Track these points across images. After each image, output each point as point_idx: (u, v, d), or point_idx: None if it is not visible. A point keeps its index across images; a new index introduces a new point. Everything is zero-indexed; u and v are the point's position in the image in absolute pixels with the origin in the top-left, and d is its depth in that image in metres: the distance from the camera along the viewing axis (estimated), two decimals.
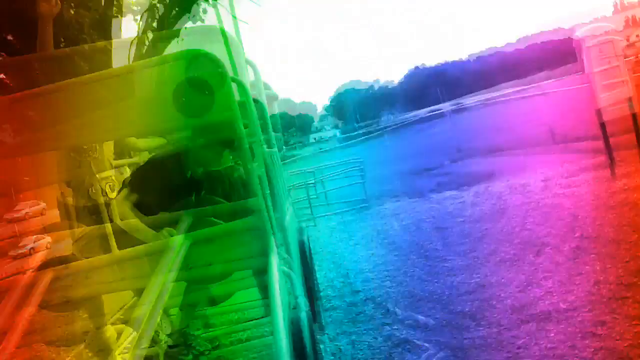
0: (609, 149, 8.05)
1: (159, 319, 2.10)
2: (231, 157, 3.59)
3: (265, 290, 3.72)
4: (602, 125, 7.86)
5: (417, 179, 14.49)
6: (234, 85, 2.79)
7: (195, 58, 2.54)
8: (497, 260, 5.76)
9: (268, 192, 2.76)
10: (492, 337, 4.09)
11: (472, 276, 5.45)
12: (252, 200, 2.60)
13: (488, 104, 30.09)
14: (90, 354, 3.62)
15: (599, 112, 7.82)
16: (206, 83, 2.49)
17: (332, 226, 11.19)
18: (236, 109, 2.55)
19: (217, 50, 3.15)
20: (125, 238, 2.75)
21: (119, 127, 2.77)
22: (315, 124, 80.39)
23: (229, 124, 2.54)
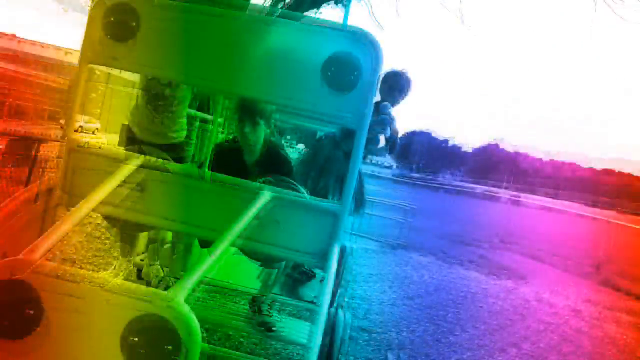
0: None
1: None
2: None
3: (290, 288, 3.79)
4: None
5: (452, 246, 14.35)
6: None
7: (360, 36, 2.62)
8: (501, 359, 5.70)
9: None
10: None
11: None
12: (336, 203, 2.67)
13: (548, 210, 29.48)
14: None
15: None
16: (358, 62, 2.57)
17: (353, 247, 11.22)
18: (371, 101, 2.64)
19: None
20: None
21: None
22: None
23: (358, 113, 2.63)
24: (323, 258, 2.55)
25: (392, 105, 4.29)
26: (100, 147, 2.79)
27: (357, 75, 2.58)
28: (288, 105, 3.03)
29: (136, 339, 1.69)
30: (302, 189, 2.95)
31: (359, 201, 4.27)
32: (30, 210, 2.70)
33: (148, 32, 2.80)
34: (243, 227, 2.32)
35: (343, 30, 2.67)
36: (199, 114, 3.92)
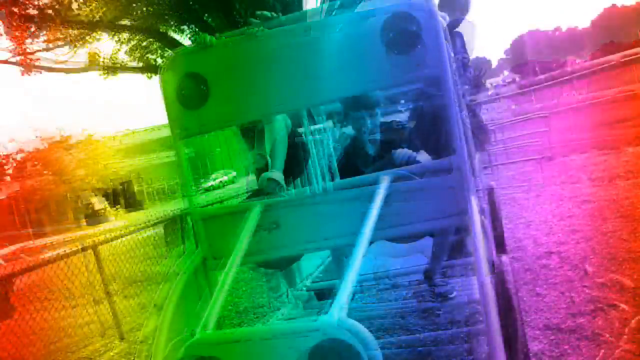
0: None
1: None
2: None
3: (455, 250, 3.73)
4: None
5: (611, 129, 13.17)
6: None
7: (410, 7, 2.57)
8: None
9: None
10: None
11: None
12: (452, 158, 2.60)
13: None
14: None
15: None
16: (412, 18, 2.51)
17: (510, 176, 10.74)
18: (445, 55, 2.54)
19: None
20: None
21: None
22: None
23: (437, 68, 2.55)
24: (463, 215, 2.48)
25: (458, 24, 4.32)
26: (221, 203, 2.96)
27: (418, 29, 2.51)
28: (382, 89, 3.01)
29: None
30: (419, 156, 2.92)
31: (482, 135, 4.13)
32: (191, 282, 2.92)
33: (219, 85, 2.93)
34: (375, 222, 2.34)
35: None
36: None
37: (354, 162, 3.37)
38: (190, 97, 2.94)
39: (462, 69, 4.85)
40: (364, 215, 2.44)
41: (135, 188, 41.12)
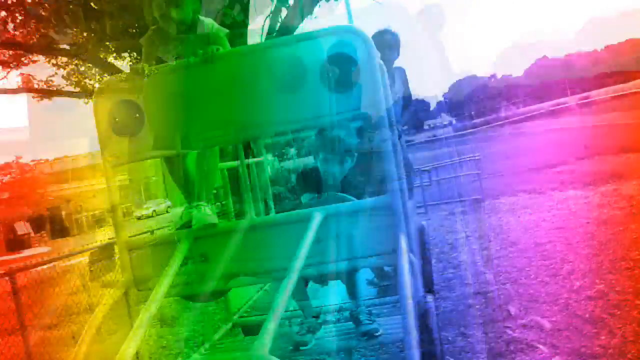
0: None
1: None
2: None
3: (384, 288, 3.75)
4: None
5: (537, 175, 13.82)
6: None
7: (345, 34, 2.61)
8: (624, 267, 5.39)
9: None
10: (613, 347, 3.86)
11: (595, 281, 5.15)
12: (385, 197, 2.63)
13: (620, 98, 27.87)
14: None
15: None
16: (354, 60, 2.55)
17: (443, 216, 11.03)
18: (381, 90, 2.59)
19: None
20: None
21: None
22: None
23: (374, 106, 2.59)
24: (393, 254, 2.51)
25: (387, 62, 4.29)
26: (152, 233, 2.88)
27: (354, 62, 2.56)
28: (306, 126, 3.02)
29: None
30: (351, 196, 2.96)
31: (406, 174, 4.26)
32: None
33: (154, 113, 2.88)
34: (305, 256, 2.33)
35: (328, 34, 2.66)
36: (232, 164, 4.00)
37: (297, 195, 3.38)
38: (124, 124, 2.87)
39: (401, 108, 4.96)
40: (293, 251, 2.43)
41: (64, 214, 39.43)
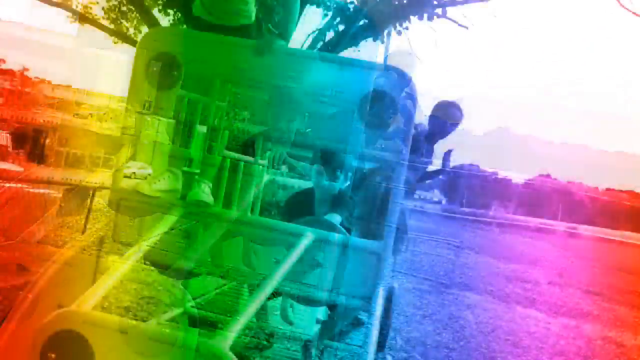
0: None
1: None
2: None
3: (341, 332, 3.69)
4: None
5: (508, 283, 13.85)
6: None
7: (394, 75, 2.63)
8: None
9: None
10: None
11: None
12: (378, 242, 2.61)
13: (608, 242, 28.25)
14: None
15: None
16: (395, 103, 2.56)
17: (407, 287, 10.98)
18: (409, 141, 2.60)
19: None
20: None
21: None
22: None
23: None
24: (368, 301, 2.48)
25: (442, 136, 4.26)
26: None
27: (394, 113, 2.57)
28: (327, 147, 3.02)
29: None
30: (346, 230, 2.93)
31: (400, 237, 4.20)
32: (85, 260, 2.75)
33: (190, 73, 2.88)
34: (286, 271, 2.30)
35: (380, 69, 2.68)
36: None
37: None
38: (162, 76, 2.85)
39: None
40: (275, 262, 2.40)
41: (47, 142, 38.83)
